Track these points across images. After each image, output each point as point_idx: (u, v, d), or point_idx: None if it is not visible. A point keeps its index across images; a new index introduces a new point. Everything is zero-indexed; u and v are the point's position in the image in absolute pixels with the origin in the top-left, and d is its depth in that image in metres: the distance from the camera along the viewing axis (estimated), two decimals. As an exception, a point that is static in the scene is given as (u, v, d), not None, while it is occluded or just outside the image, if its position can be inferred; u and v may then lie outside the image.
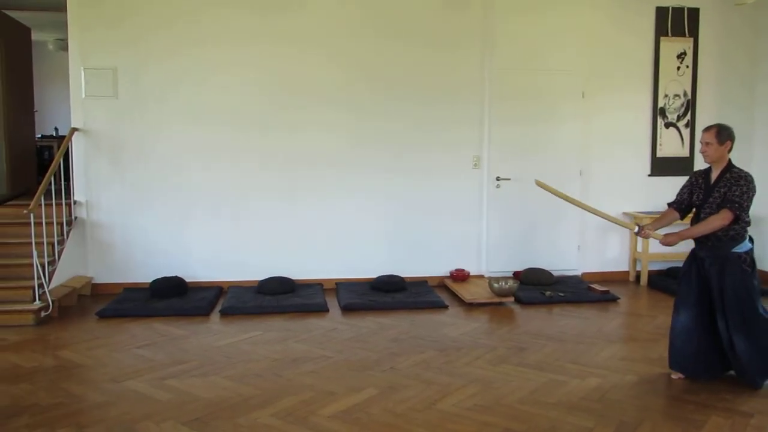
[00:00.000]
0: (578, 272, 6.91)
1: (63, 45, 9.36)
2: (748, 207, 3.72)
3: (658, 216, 4.27)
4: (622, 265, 7.04)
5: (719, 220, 3.69)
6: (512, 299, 5.89)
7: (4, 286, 5.37)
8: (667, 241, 3.88)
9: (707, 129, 3.86)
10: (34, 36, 8.07)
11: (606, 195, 6.88)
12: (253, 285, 6.29)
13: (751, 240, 3.84)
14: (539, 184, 4.29)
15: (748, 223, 3.77)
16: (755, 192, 3.74)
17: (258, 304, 5.69)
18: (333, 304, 5.83)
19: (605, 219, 4.28)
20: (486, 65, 6.60)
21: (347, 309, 5.66)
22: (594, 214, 4.28)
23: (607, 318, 5.49)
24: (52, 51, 9.93)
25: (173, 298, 5.87)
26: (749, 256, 3.79)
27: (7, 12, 7.08)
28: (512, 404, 3.60)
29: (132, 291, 6.11)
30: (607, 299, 6.01)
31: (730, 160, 3.83)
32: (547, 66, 6.68)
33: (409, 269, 6.58)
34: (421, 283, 6.49)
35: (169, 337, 4.87)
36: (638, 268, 6.89)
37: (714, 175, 3.86)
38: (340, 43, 6.41)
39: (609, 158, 6.90)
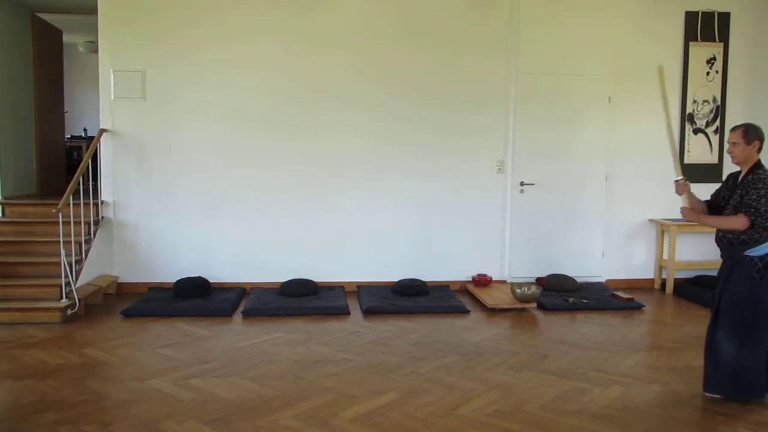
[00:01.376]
0: (602, 279, 6.83)
1: (93, 47, 9.52)
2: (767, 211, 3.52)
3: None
4: (647, 272, 6.94)
5: (735, 222, 3.58)
6: (535, 305, 5.84)
7: (32, 283, 5.46)
8: (684, 212, 3.77)
9: (734, 128, 3.74)
10: (65, 38, 8.23)
11: (631, 201, 6.80)
12: (275, 287, 6.33)
13: None
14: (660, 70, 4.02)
15: (766, 228, 3.55)
16: None
17: (280, 305, 5.72)
18: (354, 307, 5.84)
19: (673, 155, 3.96)
20: (511, 70, 6.57)
21: (369, 312, 5.66)
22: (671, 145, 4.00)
23: (631, 326, 5.41)
24: (83, 53, 10.10)
25: (197, 298, 5.92)
26: (763, 262, 3.58)
27: (40, 15, 7.23)
28: (534, 411, 3.57)
29: (156, 291, 6.18)
30: (631, 307, 5.93)
31: (759, 162, 3.70)
32: (573, 71, 6.62)
33: (431, 273, 6.56)
34: (443, 288, 6.46)
35: (192, 337, 4.92)
36: (664, 276, 6.79)
37: (741, 177, 3.75)
38: (365, 47, 6.42)
39: (635, 164, 6.81)
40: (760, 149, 3.71)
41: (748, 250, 3.60)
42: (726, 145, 6.80)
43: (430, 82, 6.51)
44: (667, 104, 3.87)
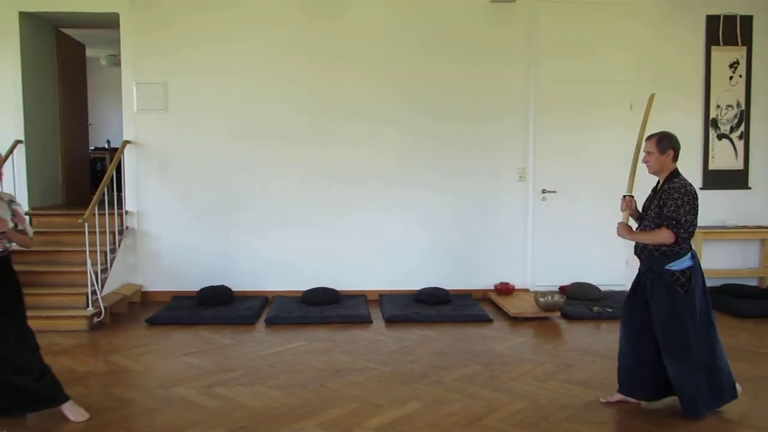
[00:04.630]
0: (626, 287, 6.73)
1: (115, 60, 9.67)
2: (689, 221, 3.42)
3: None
4: (672, 280, 6.84)
5: (660, 237, 3.44)
6: (558, 314, 5.79)
7: (59, 292, 5.54)
8: (618, 227, 3.67)
9: (649, 137, 3.64)
10: (88, 52, 8.37)
11: (655, 208, 6.71)
12: (297, 295, 6.34)
13: (694, 255, 3.53)
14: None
15: (686, 239, 3.45)
16: (695, 203, 3.45)
17: (302, 314, 5.73)
18: (377, 315, 5.83)
19: (631, 173, 3.82)
20: (531, 77, 6.55)
21: (391, 321, 5.65)
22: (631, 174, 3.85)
23: (657, 334, 5.33)
24: (105, 66, 10.26)
25: (220, 306, 5.96)
26: (685, 276, 3.46)
27: (64, 30, 7.37)
28: (559, 422, 3.52)
29: (180, 299, 6.23)
30: (656, 315, 5.85)
31: (675, 171, 3.58)
32: (593, 77, 6.58)
33: (453, 282, 6.54)
34: (465, 296, 6.43)
35: (216, 345, 4.94)
36: (689, 284, 6.68)
37: (658, 187, 3.66)
38: (385, 58, 6.45)
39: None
40: (675, 158, 3.60)
41: (669, 264, 3.48)
42: (753, 152, 6.78)
43: (449, 92, 6.51)
44: (644, 129, 3.79)
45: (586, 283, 6.44)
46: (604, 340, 5.15)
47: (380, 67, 6.46)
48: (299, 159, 6.47)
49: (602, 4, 6.56)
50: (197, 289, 6.24)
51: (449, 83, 6.51)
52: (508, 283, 6.49)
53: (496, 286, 6.52)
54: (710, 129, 6.78)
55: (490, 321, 5.70)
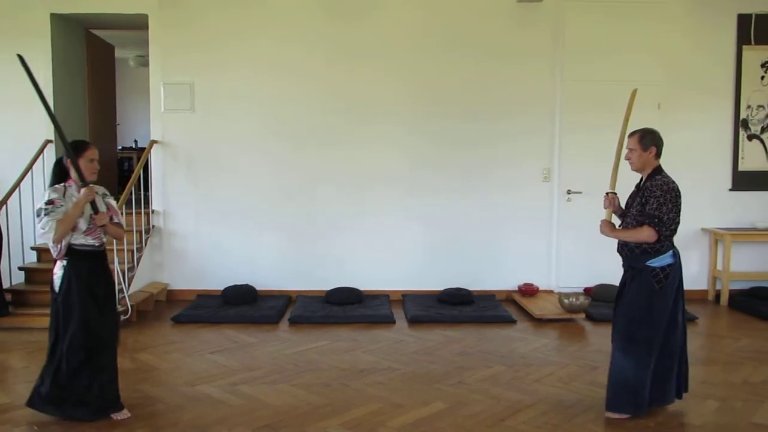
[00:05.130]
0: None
1: (143, 61, 9.81)
2: (671, 219, 3.39)
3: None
4: (700, 283, 6.73)
5: (642, 235, 3.40)
6: (583, 316, 5.73)
7: (87, 290, 5.62)
8: (601, 225, 3.63)
9: (631, 134, 3.58)
10: (117, 53, 8.49)
11: (683, 210, 6.54)
12: (320, 295, 6.37)
13: (676, 254, 3.48)
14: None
15: (668, 237, 3.42)
16: (677, 201, 3.43)
17: (326, 313, 5.76)
18: (399, 315, 5.83)
19: (614, 170, 3.78)
20: (557, 76, 6.49)
21: (414, 321, 5.64)
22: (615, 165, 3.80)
23: (684, 338, 5.25)
24: (133, 67, 10.41)
25: (244, 305, 6.01)
26: (664, 273, 3.43)
27: (94, 31, 7.49)
28: (584, 424, 3.49)
29: (205, 298, 6.29)
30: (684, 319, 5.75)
31: (658, 168, 3.54)
32: (620, 77, 6.47)
33: (476, 282, 6.51)
34: (488, 297, 6.40)
35: (240, 343, 4.99)
36: (718, 287, 6.58)
37: (641, 184, 3.60)
38: (408, 59, 6.44)
39: (687, 171, 6.58)
40: (658, 155, 3.54)
41: (650, 261, 3.44)
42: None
43: (474, 92, 6.49)
44: (626, 124, 3.72)
45: (611, 285, 6.34)
46: (630, 342, 5.08)
47: (405, 67, 6.45)
48: (324, 159, 6.50)
49: (629, 4, 6.47)
50: (222, 288, 6.30)
51: (473, 84, 6.48)
52: (532, 284, 6.44)
53: (519, 287, 6.47)
54: (740, 129, 6.66)
55: (513, 322, 5.66)
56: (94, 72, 7.48)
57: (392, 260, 6.56)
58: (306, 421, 3.50)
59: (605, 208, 3.75)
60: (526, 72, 6.49)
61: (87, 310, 3.38)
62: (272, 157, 6.49)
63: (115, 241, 5.49)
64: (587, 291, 6.39)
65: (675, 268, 3.47)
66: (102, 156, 7.59)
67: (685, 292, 6.67)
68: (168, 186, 6.51)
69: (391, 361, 4.56)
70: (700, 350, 5.01)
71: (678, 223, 3.47)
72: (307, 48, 6.42)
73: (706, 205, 6.65)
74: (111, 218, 3.55)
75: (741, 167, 6.67)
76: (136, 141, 10.79)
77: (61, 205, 3.35)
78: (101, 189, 3.63)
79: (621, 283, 3.69)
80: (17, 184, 5.98)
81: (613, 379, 3.54)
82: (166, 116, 6.46)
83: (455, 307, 6.02)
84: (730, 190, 6.69)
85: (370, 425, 3.46)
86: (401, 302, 6.28)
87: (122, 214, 5.65)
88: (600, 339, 5.17)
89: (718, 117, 6.65)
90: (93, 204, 3.38)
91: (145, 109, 6.72)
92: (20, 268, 5.95)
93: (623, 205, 3.79)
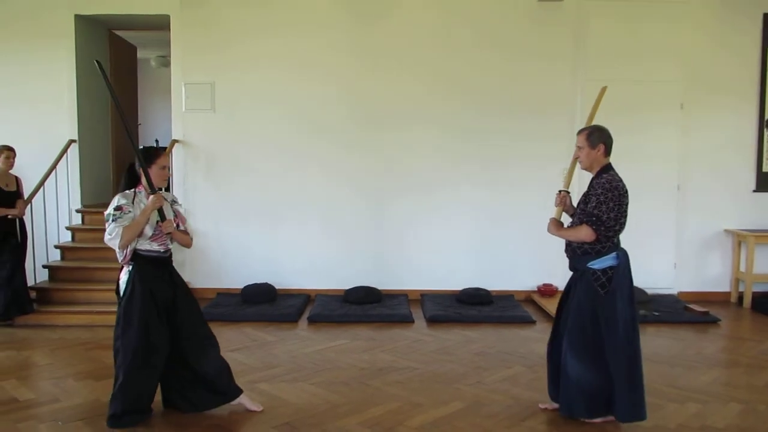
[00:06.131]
0: (674, 291, 6.58)
1: (164, 62, 9.90)
2: (611, 219, 3.27)
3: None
4: (722, 285, 6.65)
5: (580, 234, 3.32)
6: (603, 317, 5.68)
7: (105, 288, 5.66)
8: (549, 223, 3.56)
9: (579, 132, 3.51)
10: (139, 54, 8.59)
11: (705, 210, 6.55)
12: (339, 294, 6.39)
13: (620, 256, 3.35)
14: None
15: (609, 237, 3.31)
16: (621, 200, 3.30)
17: (344, 312, 5.78)
18: (418, 315, 5.84)
19: (570, 168, 3.77)
20: (578, 76, 6.45)
21: (432, 321, 5.64)
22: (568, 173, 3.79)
23: (706, 340, 5.20)
24: (155, 67, 10.51)
25: (263, 304, 6.05)
26: (606, 276, 3.32)
27: (116, 32, 7.58)
28: (603, 426, 3.46)
29: (224, 296, 6.35)
30: (706, 321, 5.70)
31: (607, 166, 3.44)
32: (642, 77, 6.44)
33: (495, 283, 6.49)
34: (507, 297, 6.38)
35: (260, 342, 5.02)
36: (741, 289, 6.49)
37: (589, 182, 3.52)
38: (430, 59, 6.44)
39: (709, 172, 6.56)
40: (607, 153, 3.47)
41: (591, 262, 3.36)
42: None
43: (494, 93, 6.47)
44: (591, 122, 3.66)
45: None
46: (651, 343, 5.03)
47: (427, 67, 6.45)
48: (343, 159, 6.52)
49: (651, 4, 6.40)
50: (241, 286, 6.34)
51: (495, 83, 6.46)
52: (551, 285, 6.41)
53: (539, 288, 6.44)
54: (764, 130, 6.56)
55: (532, 322, 5.64)
56: (116, 72, 7.57)
57: (411, 260, 6.56)
58: (325, 420, 3.52)
59: (556, 206, 3.66)
60: (548, 72, 6.45)
61: (147, 313, 3.36)
62: (292, 156, 6.53)
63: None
64: (607, 292, 6.33)
65: (619, 272, 3.33)
66: (124, 156, 7.75)
67: (708, 293, 6.69)
68: (189, 185, 6.57)
69: (410, 361, 4.56)
70: (722, 353, 4.96)
71: (623, 224, 3.37)
72: (328, 47, 6.44)
73: (729, 206, 6.57)
74: (178, 225, 3.53)
75: (765, 168, 6.57)
76: (157, 141, 10.87)
77: (129, 212, 3.35)
78: (170, 196, 3.64)
79: (567, 285, 3.62)
80: (41, 184, 6.08)
81: (567, 383, 3.42)
82: (187, 116, 6.52)
83: (474, 306, 6.01)
84: (754, 191, 6.60)
85: (389, 424, 3.47)
86: (420, 302, 6.28)
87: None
88: (620, 340, 5.13)
89: (741, 118, 6.56)
90: (160, 211, 3.37)
91: (167, 109, 6.80)
92: (44, 266, 6.06)
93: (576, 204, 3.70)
